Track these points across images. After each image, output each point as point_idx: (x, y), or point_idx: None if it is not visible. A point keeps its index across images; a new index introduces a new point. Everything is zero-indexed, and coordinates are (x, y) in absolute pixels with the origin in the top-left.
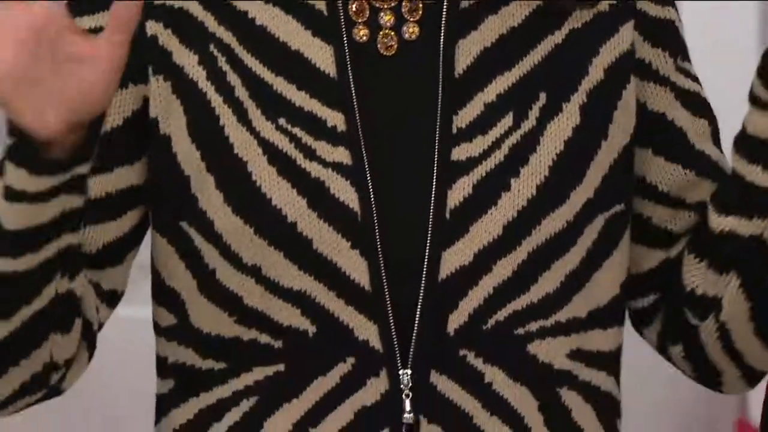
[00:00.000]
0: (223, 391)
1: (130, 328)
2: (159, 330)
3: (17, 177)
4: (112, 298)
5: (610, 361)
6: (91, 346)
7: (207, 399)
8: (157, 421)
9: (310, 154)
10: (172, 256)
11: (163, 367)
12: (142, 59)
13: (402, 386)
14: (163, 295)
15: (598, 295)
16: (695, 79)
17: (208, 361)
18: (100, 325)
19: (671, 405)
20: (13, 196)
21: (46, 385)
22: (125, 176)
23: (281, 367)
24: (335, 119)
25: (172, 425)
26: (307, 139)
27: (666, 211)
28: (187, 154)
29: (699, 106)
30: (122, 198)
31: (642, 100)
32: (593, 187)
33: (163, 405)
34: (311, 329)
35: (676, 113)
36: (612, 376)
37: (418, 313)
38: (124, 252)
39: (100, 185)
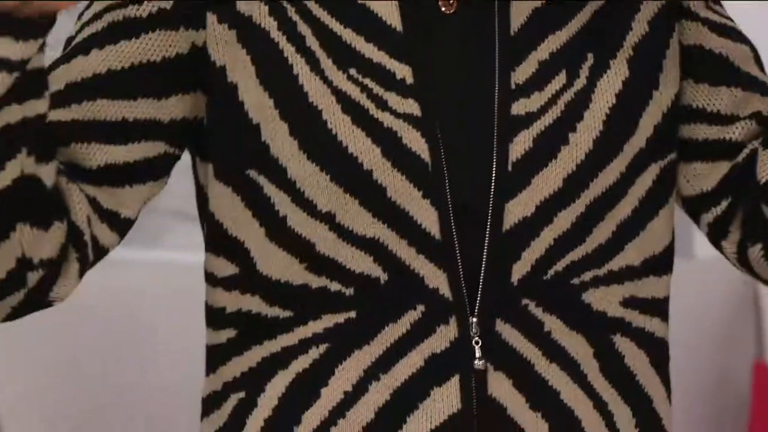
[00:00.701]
0: (289, 339)
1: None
2: (216, 281)
3: None
4: (112, 220)
5: (663, 308)
6: (83, 260)
7: (271, 347)
8: (212, 370)
9: (382, 104)
10: (238, 205)
11: (220, 318)
12: (200, 5)
13: (471, 333)
14: (224, 245)
15: (653, 243)
16: (728, 18)
17: (274, 309)
18: (103, 248)
19: (686, 349)
20: None
21: (23, 284)
22: (147, 108)
23: (352, 314)
24: (403, 72)
25: (232, 374)
26: (378, 90)
27: (721, 128)
28: (258, 102)
29: (737, 34)
30: (138, 127)
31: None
32: (645, 137)
33: (220, 355)
34: (383, 277)
35: (712, 43)
36: (665, 322)
37: (483, 262)
38: (127, 179)
39: (118, 109)
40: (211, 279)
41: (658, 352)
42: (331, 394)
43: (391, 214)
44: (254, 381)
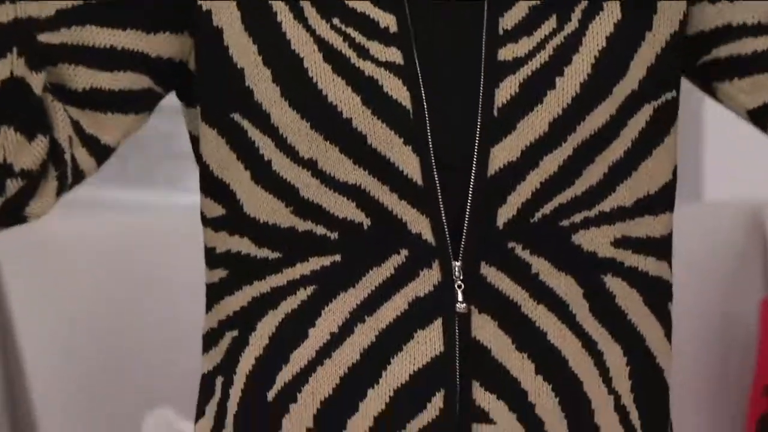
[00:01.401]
0: (277, 280)
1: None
2: (206, 221)
3: None
4: (92, 144)
5: (660, 247)
6: (62, 180)
7: (261, 287)
8: (209, 309)
9: (364, 53)
10: (223, 147)
11: (213, 258)
12: None
13: (454, 277)
14: (212, 186)
15: (648, 183)
16: None
17: (263, 250)
18: (81, 173)
19: (693, 290)
20: None
21: (2, 191)
22: (135, 40)
23: (338, 257)
24: (387, 20)
25: (226, 312)
26: (360, 39)
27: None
28: (242, 47)
29: None
30: (126, 57)
31: None
32: (638, 79)
33: (215, 293)
34: (366, 222)
35: None
36: (663, 260)
37: (468, 207)
38: (110, 106)
39: (107, 36)
40: (203, 220)
41: (653, 290)
42: (318, 335)
43: (372, 161)
44: (246, 320)
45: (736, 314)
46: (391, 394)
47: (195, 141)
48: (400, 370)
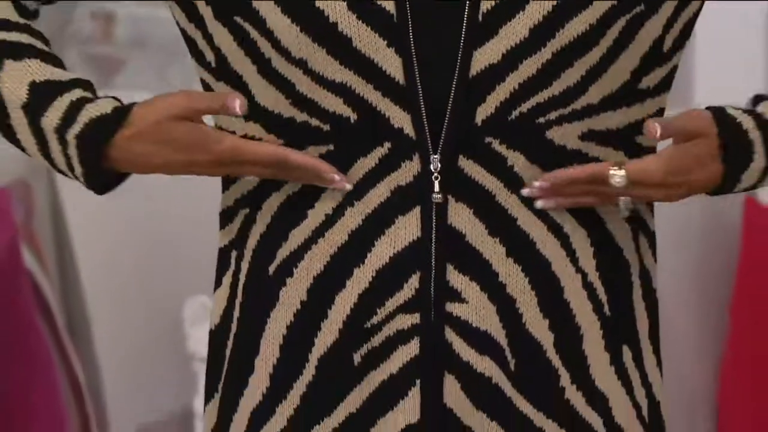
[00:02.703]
0: None
1: None
2: None
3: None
4: None
5: (619, 138)
6: None
7: None
8: (226, 188)
9: None
10: (232, 43)
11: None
12: None
13: (432, 169)
14: (229, 77)
15: (612, 83)
16: None
17: (270, 137)
18: (34, 12)
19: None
20: None
21: None
22: None
23: (330, 147)
24: None
25: (240, 192)
26: None
27: None
28: None
29: None
30: None
31: None
32: None
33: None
34: (353, 116)
35: None
36: (620, 150)
37: (449, 105)
38: None
39: None
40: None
41: None
42: (314, 216)
43: (356, 61)
44: (255, 200)
45: (719, 213)
46: (374, 273)
47: (189, 40)
48: (381, 252)
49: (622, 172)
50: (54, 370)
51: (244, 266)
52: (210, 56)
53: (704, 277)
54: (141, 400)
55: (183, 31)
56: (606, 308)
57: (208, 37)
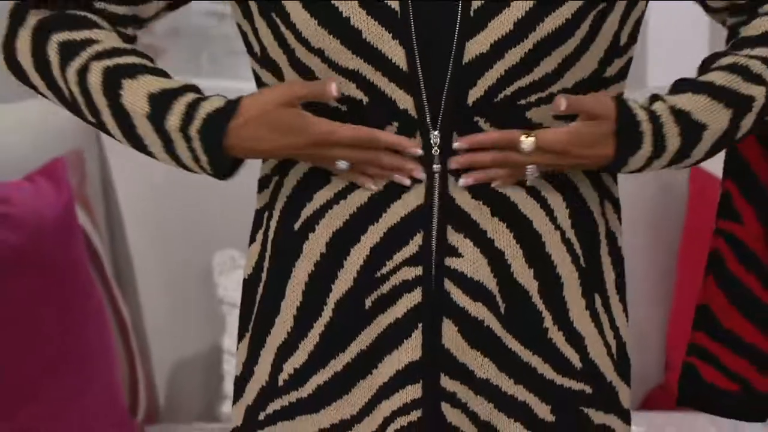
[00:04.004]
0: None
1: None
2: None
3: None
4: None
5: None
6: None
7: None
8: (264, 160)
9: None
10: (270, 36)
11: None
12: None
13: (432, 143)
14: (267, 63)
15: (583, 71)
16: None
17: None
18: (132, 38)
19: None
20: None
21: None
22: None
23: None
24: None
25: (274, 162)
26: None
27: None
28: None
29: None
30: None
31: None
32: None
33: None
34: (364, 99)
35: None
36: None
37: (445, 89)
38: None
39: None
40: (262, 86)
41: None
42: (336, 181)
43: (366, 51)
44: (284, 167)
45: (669, 183)
46: (385, 230)
47: (243, 33)
48: (394, 212)
49: (532, 139)
50: (104, 311)
51: (273, 224)
52: (257, 47)
53: (657, 238)
54: (177, 337)
55: (238, 26)
56: (582, 260)
57: (255, 31)
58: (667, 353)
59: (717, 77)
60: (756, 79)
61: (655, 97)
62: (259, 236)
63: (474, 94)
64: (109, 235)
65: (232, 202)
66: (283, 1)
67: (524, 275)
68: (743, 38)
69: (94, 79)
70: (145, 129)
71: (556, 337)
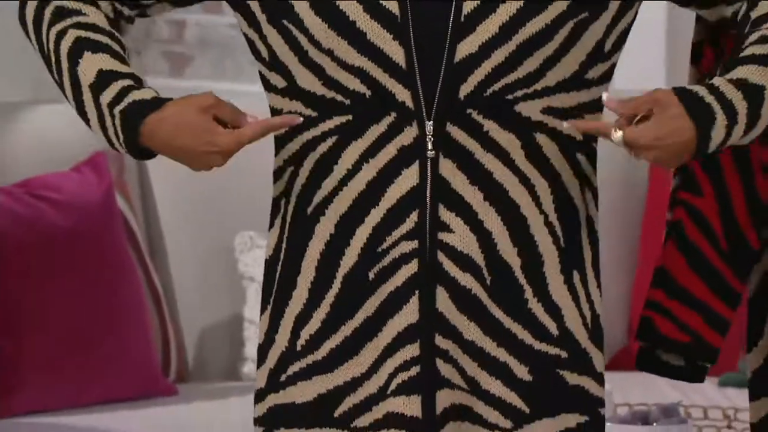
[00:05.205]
0: (315, 132)
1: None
2: (275, 89)
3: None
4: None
5: (571, 114)
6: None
7: (306, 136)
8: (277, 152)
9: None
10: (281, 40)
11: (278, 115)
12: None
13: (426, 132)
14: (276, 65)
15: (564, 71)
16: None
17: (308, 110)
18: (129, 18)
19: (601, 147)
20: None
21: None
22: None
23: (350, 117)
24: None
25: (288, 154)
26: None
27: None
28: None
29: None
30: None
31: None
32: (567, 2)
33: (280, 141)
34: (367, 92)
35: None
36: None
37: (439, 84)
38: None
39: None
40: (270, 87)
41: (567, 143)
42: (339, 169)
43: (370, 50)
44: (297, 159)
45: (633, 164)
46: (385, 211)
47: (250, 41)
48: (391, 195)
49: (620, 133)
50: (139, 284)
51: (290, 210)
52: (264, 52)
53: (622, 215)
54: (203, 307)
55: (244, 34)
56: (562, 241)
57: (263, 38)
58: (630, 319)
59: (755, 49)
60: None
61: (705, 77)
62: (278, 221)
63: (465, 89)
64: (144, 218)
65: (250, 190)
66: (295, 9)
67: (509, 253)
68: (758, 17)
69: (65, 44)
70: (87, 97)
71: (536, 307)
